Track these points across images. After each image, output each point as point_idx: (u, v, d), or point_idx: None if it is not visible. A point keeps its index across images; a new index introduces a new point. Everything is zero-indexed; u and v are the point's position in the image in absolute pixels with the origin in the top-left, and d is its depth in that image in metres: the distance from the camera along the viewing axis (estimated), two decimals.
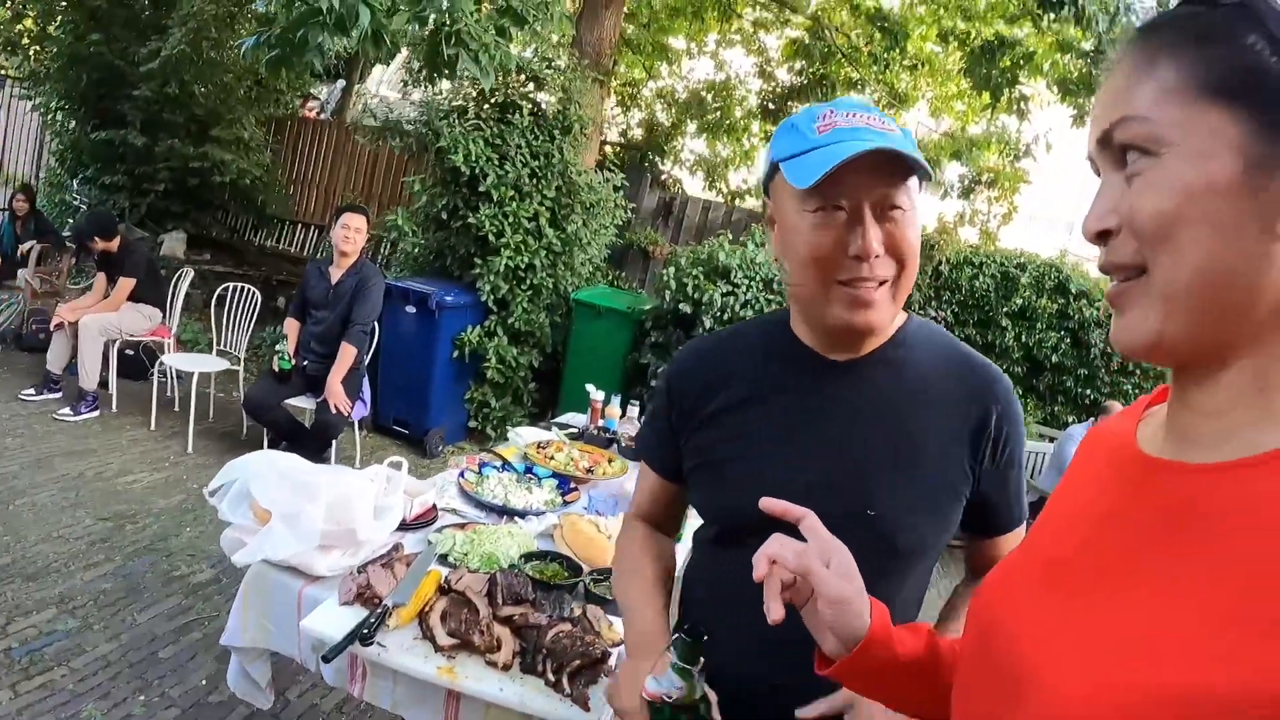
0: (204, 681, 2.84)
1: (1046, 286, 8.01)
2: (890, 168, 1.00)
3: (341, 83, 12.36)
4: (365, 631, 1.64)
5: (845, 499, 1.08)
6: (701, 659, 0.97)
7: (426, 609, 1.77)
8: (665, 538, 1.42)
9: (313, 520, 1.96)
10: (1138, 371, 8.04)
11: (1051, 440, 7.40)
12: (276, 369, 4.72)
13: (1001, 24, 8.28)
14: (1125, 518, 0.65)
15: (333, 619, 1.75)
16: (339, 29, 3.63)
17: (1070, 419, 7.94)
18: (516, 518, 2.44)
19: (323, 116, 12.43)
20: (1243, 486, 0.57)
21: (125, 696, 2.70)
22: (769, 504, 0.90)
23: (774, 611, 0.81)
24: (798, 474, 1.11)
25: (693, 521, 1.53)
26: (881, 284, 1.04)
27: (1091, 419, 6.46)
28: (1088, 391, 7.98)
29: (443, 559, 2.06)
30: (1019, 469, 1.22)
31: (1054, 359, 7.86)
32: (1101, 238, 0.63)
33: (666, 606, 1.29)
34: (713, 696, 1.01)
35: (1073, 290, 8.15)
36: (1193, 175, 0.57)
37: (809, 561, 0.83)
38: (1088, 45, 7.23)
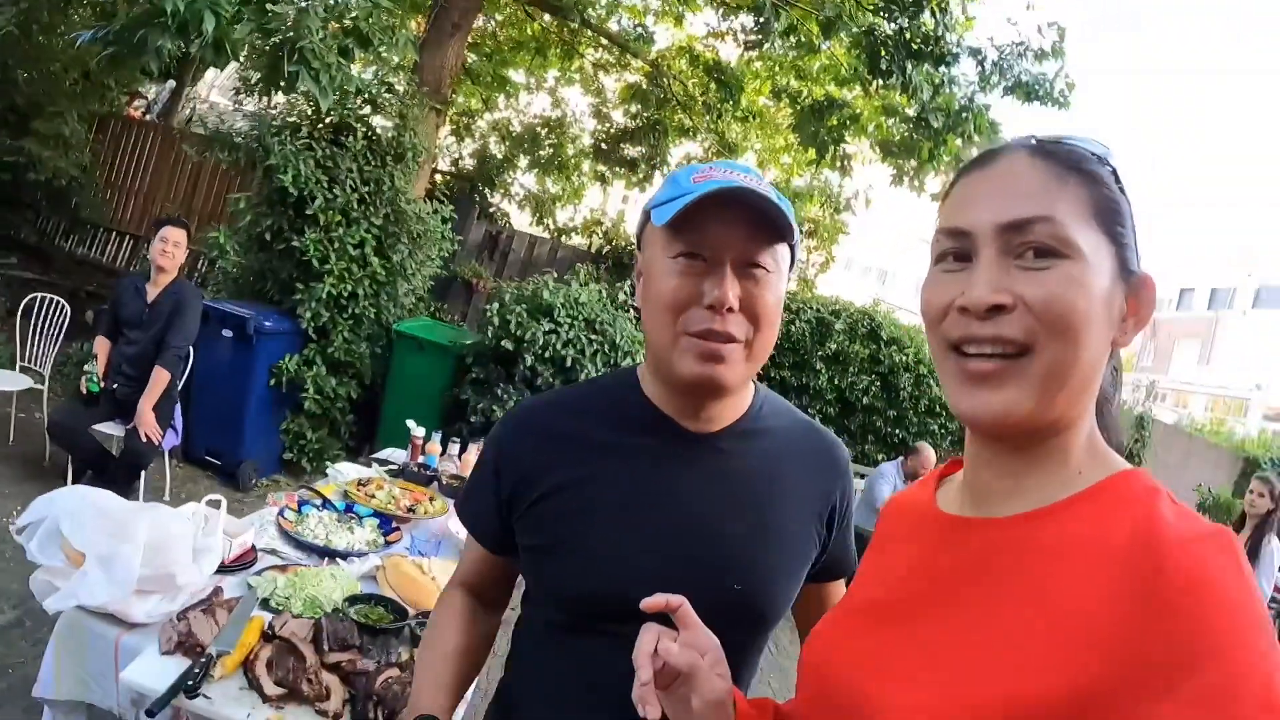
0: None
1: (860, 333, 8.53)
2: (758, 227, 1.00)
3: (171, 83, 11.78)
4: (190, 683, 1.61)
5: (708, 575, 1.06)
6: None
7: (251, 657, 1.76)
8: (484, 610, 1.29)
9: (130, 563, 1.91)
10: (943, 413, 8.67)
11: (862, 477, 7.88)
12: (85, 391, 4.50)
13: (833, 85, 8.80)
14: (935, 565, 0.81)
15: (154, 669, 1.73)
16: (181, 33, 3.56)
17: (880, 456, 8.46)
18: (338, 559, 2.44)
19: (149, 117, 11.81)
20: (1033, 532, 0.73)
21: None
22: (649, 603, 0.87)
23: (652, 711, 0.81)
24: (658, 554, 1.07)
25: None
26: (733, 341, 1.01)
27: (901, 457, 6.96)
28: (897, 431, 8.56)
29: (265, 603, 2.05)
30: (850, 523, 1.27)
31: (865, 400, 8.38)
32: (993, 312, 0.72)
33: (459, 680, 1.17)
34: None
35: (884, 336, 8.71)
36: (1093, 283, 0.71)
37: (695, 660, 0.86)
38: (911, 111, 7.81)
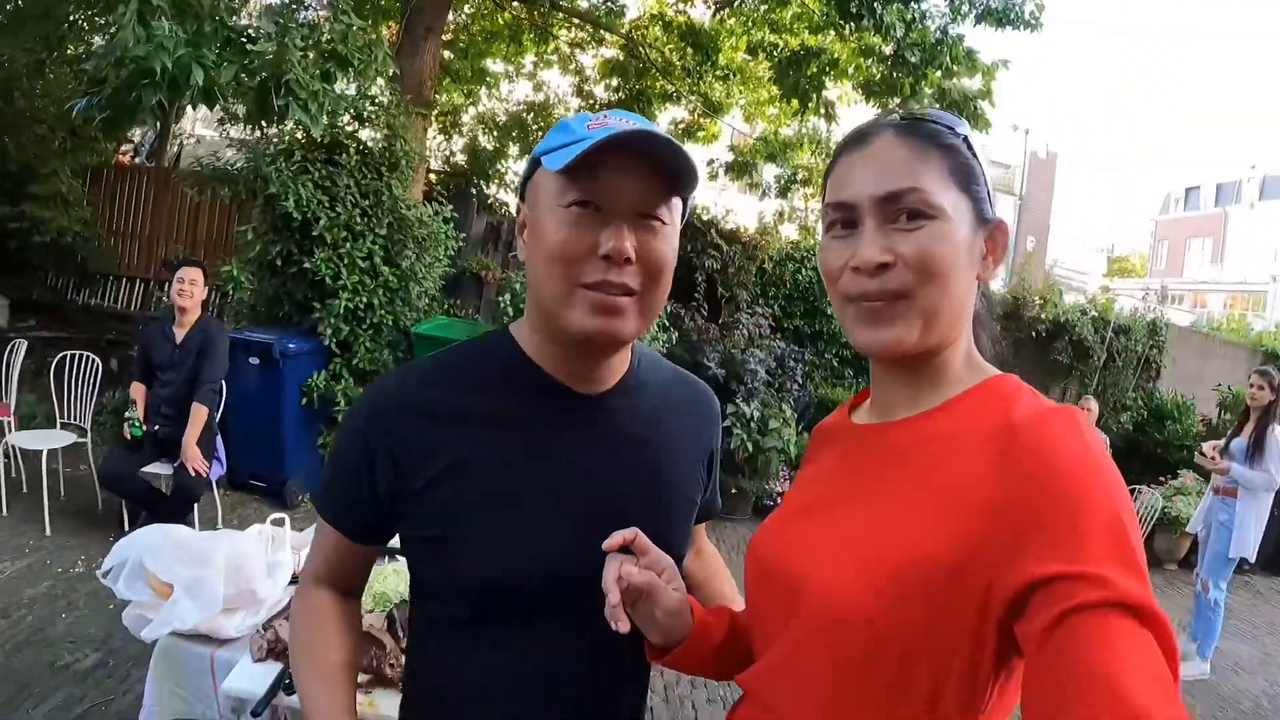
0: None
1: None
2: (653, 178, 0.96)
3: (157, 124, 11.91)
4: (287, 681, 1.80)
5: (609, 534, 1.00)
6: None
7: None
8: (352, 604, 1.21)
9: (214, 586, 2.10)
10: None
11: None
12: (129, 437, 4.67)
13: (807, 34, 8.81)
14: (851, 464, 0.99)
15: (250, 677, 1.92)
16: (172, 89, 3.70)
17: None
18: (396, 556, 2.54)
19: (138, 160, 11.95)
20: (923, 428, 0.91)
21: None
22: (609, 543, 0.96)
23: (623, 626, 0.92)
24: (568, 526, 1.03)
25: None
26: (629, 294, 0.97)
27: None
28: None
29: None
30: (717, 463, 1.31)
31: None
32: (880, 269, 0.87)
33: (352, 696, 1.09)
34: None
35: None
36: (957, 236, 0.87)
37: (652, 578, 0.97)
38: (888, 50, 7.88)
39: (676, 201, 1.00)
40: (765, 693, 0.96)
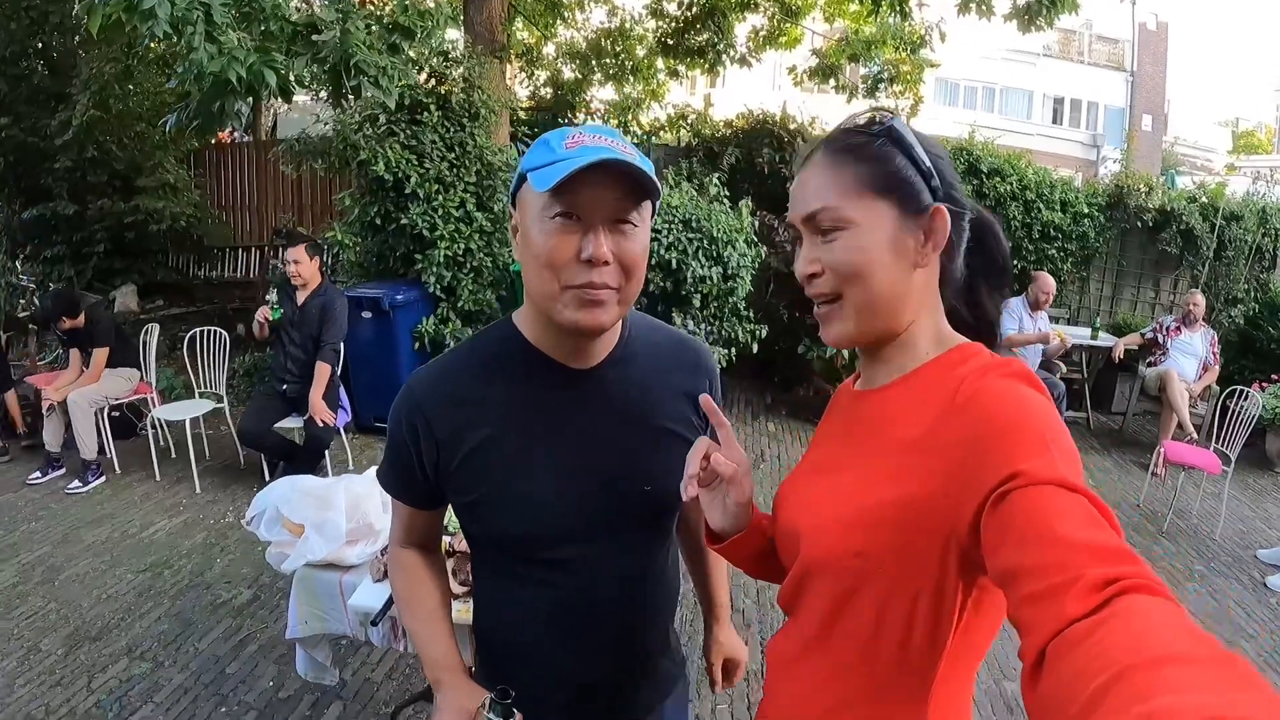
0: (270, 684, 3.27)
1: (958, 169, 8.40)
2: (625, 188, 1.09)
3: (251, 99, 12.35)
4: None
5: (626, 484, 1.23)
6: (514, 712, 1.14)
7: None
8: (435, 555, 1.45)
9: (338, 523, 2.43)
10: (1059, 236, 8.55)
11: None
12: (269, 317, 5.10)
13: None
14: (844, 425, 1.15)
15: (370, 594, 2.26)
16: (250, 92, 3.95)
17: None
18: None
19: (236, 135, 12.48)
20: (893, 393, 1.04)
21: (209, 714, 3.10)
22: (707, 403, 1.14)
23: (691, 491, 1.06)
24: (578, 481, 1.21)
25: None
26: (610, 289, 1.11)
27: (1024, 293, 6.94)
28: (1015, 262, 8.44)
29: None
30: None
31: None
32: (811, 278, 1.02)
33: (452, 629, 1.34)
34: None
35: (984, 169, 8.55)
36: (869, 241, 0.97)
37: (737, 470, 1.09)
38: None
39: (646, 204, 1.15)
40: (788, 620, 1.16)
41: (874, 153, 0.99)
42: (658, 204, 1.20)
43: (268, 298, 5.13)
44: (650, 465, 1.26)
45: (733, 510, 1.13)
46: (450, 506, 1.33)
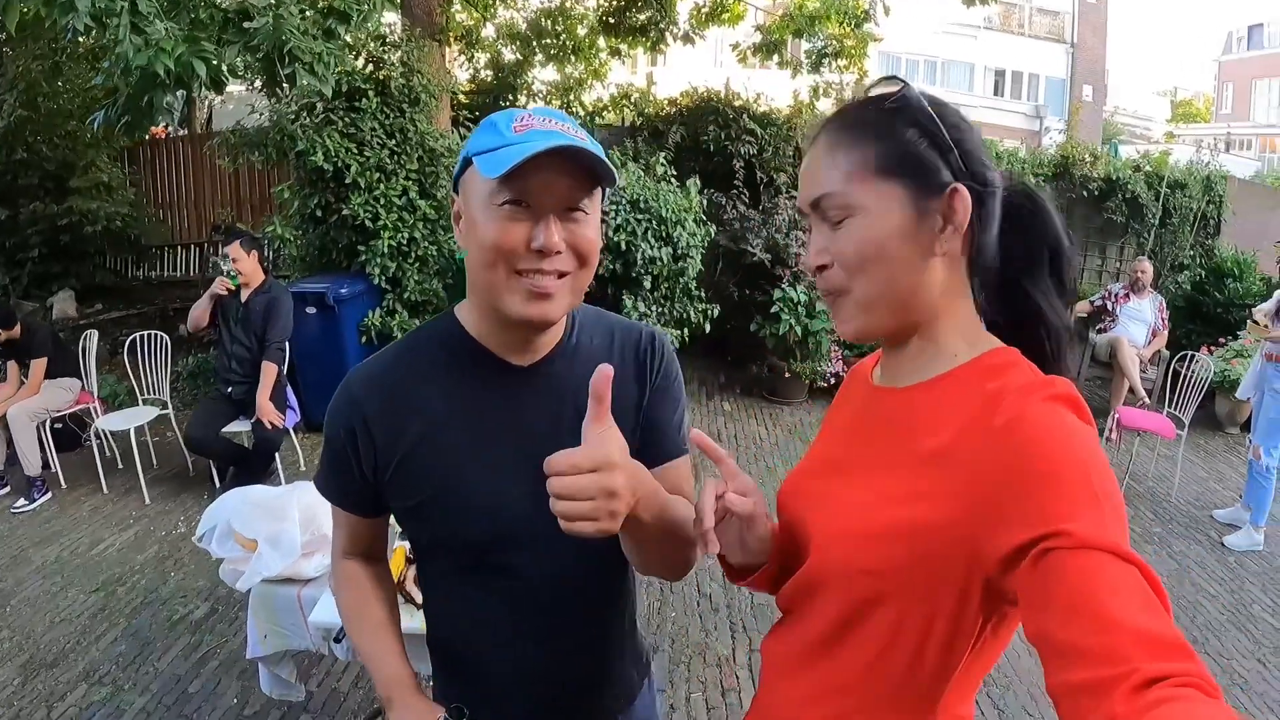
0: (235, 700, 3.17)
1: None
2: (576, 174, 1.04)
3: (182, 93, 12.01)
4: None
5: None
6: None
7: (401, 579, 2.16)
8: (380, 566, 1.40)
9: (292, 535, 2.34)
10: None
11: None
12: (230, 289, 4.96)
13: None
14: (862, 423, 1.05)
15: (331, 609, 2.17)
16: (179, 85, 3.79)
17: None
18: None
19: (169, 129, 12.14)
20: (919, 398, 0.95)
21: None
22: (700, 439, 1.03)
23: (713, 547, 0.95)
24: (520, 482, 1.12)
25: None
26: (561, 276, 1.07)
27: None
28: None
29: (403, 535, 2.42)
30: (676, 403, 1.31)
31: None
32: (820, 270, 0.94)
33: (401, 643, 1.29)
34: None
35: None
36: (880, 228, 0.88)
37: (754, 507, 1.00)
38: None
39: (597, 191, 1.10)
40: (785, 619, 1.09)
41: (883, 128, 0.90)
42: (610, 190, 1.13)
43: (222, 266, 4.93)
44: None
45: (753, 547, 1.05)
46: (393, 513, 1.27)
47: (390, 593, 1.37)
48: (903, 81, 0.93)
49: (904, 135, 0.89)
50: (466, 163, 1.09)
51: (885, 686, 0.92)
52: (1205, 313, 8.20)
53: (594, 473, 0.90)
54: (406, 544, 2.29)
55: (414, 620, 1.96)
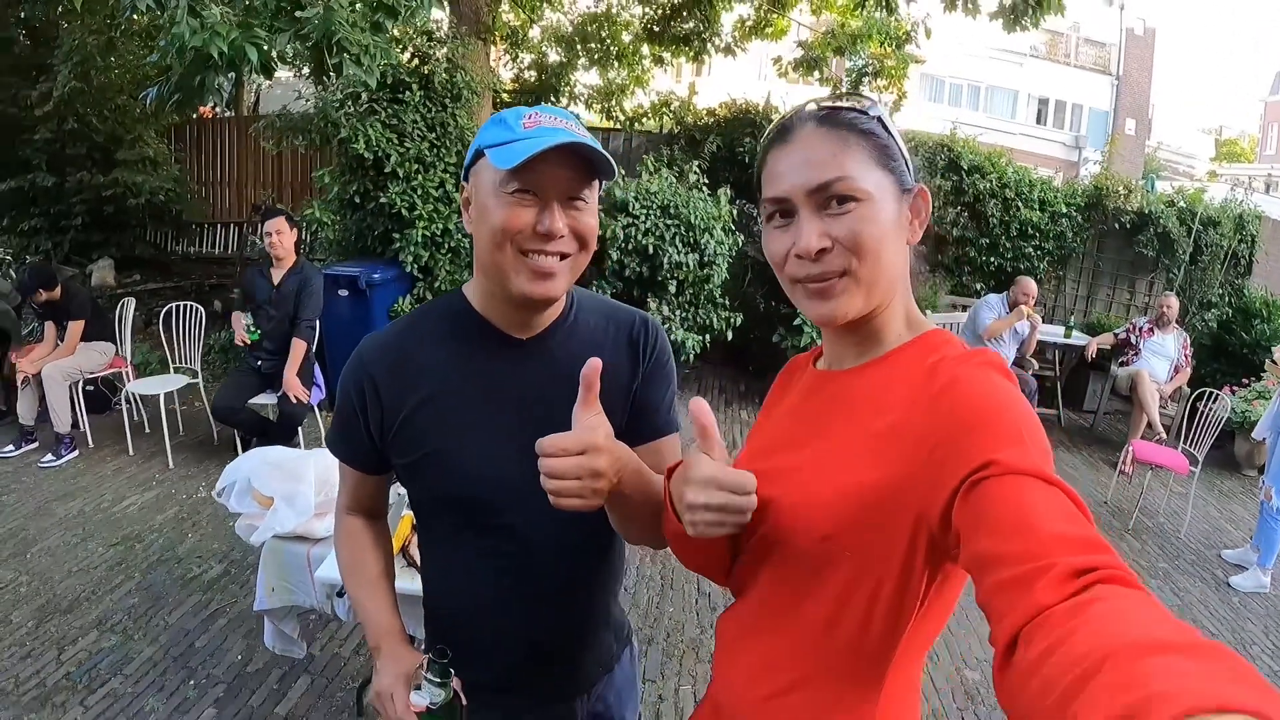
0: (239, 657, 3.29)
1: (939, 165, 8.46)
2: (578, 167, 1.14)
3: (232, 75, 12.21)
4: None
5: None
6: (450, 672, 1.17)
7: (406, 544, 2.26)
8: (379, 522, 1.49)
9: (306, 496, 2.44)
10: (1036, 235, 8.59)
11: (964, 309, 7.91)
12: (247, 341, 5.09)
13: None
14: (810, 405, 1.12)
15: (337, 567, 2.22)
16: (231, 68, 3.93)
17: (979, 287, 8.45)
18: None
19: (217, 110, 12.37)
20: (864, 376, 1.03)
21: (177, 686, 3.11)
22: (698, 408, 0.99)
23: (718, 448, 0.99)
24: (513, 447, 1.18)
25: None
26: (564, 258, 1.17)
27: (1006, 292, 6.92)
28: (991, 259, 8.58)
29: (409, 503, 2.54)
30: (667, 385, 1.41)
31: (955, 233, 8.36)
32: (821, 253, 0.97)
33: (393, 596, 1.38)
34: (458, 682, 1.21)
35: (964, 166, 8.57)
36: (882, 214, 0.96)
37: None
38: None
39: (596, 182, 1.20)
40: (739, 598, 1.15)
41: (872, 129, 0.99)
42: (610, 179, 1.23)
43: (245, 321, 5.11)
44: None
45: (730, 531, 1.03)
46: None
47: (387, 549, 1.46)
48: (870, 99, 1.03)
49: (885, 140, 0.99)
50: (478, 154, 1.19)
51: (836, 652, 0.98)
52: (1230, 352, 8.11)
53: (581, 455, 1.00)
54: (410, 513, 2.39)
55: (414, 583, 2.06)
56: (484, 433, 1.25)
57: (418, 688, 1.19)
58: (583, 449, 1.01)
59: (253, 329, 5.08)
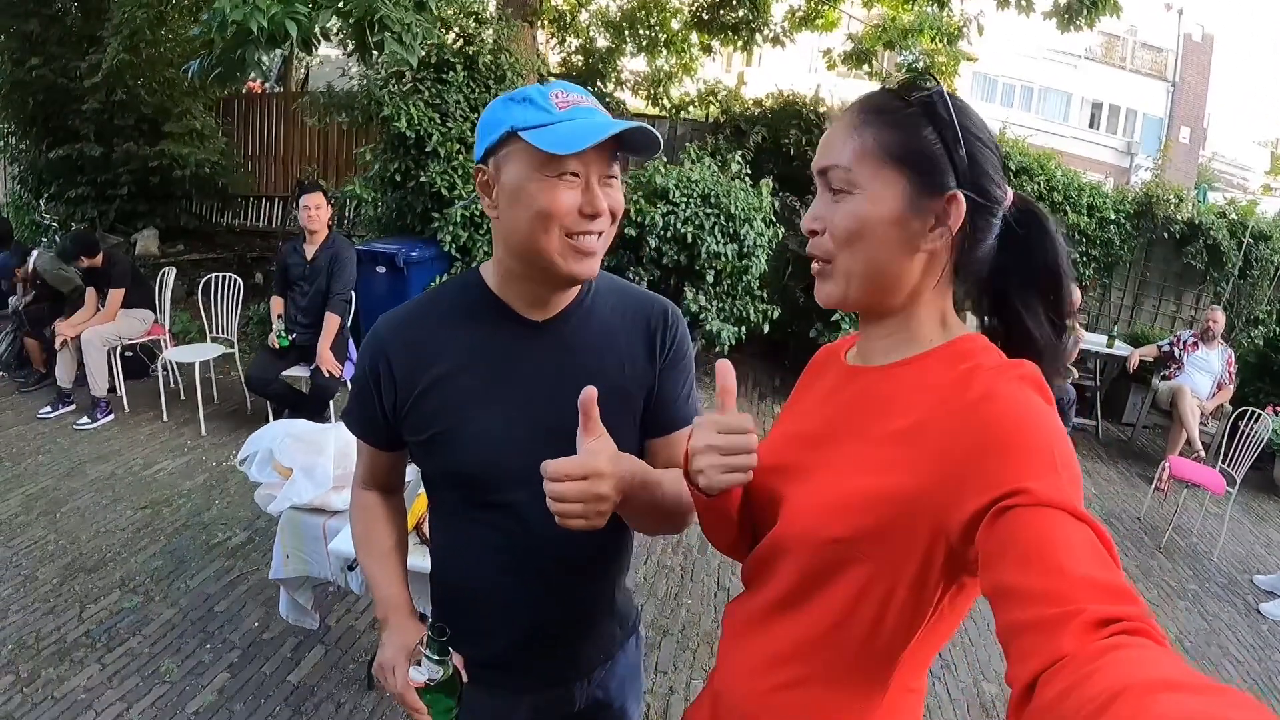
0: (256, 624, 3.33)
1: None
2: (610, 146, 1.14)
3: (281, 51, 12.37)
4: None
5: (569, 437, 1.13)
6: (450, 648, 1.19)
7: (420, 521, 2.25)
8: (394, 497, 1.51)
9: (325, 469, 2.46)
10: (1083, 241, 8.44)
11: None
12: (276, 346, 5.15)
13: None
14: (836, 400, 1.09)
15: (351, 540, 2.23)
16: (271, 44, 3.96)
17: None
18: None
19: (266, 86, 12.49)
20: (893, 376, 1.00)
21: (194, 649, 3.16)
22: (723, 370, 1.03)
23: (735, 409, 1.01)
24: (525, 427, 1.23)
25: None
26: (600, 235, 1.19)
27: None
28: None
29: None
30: (686, 375, 1.40)
31: None
32: (813, 233, 0.99)
33: (404, 570, 1.41)
34: (458, 659, 1.23)
35: (1012, 167, 8.36)
36: (873, 210, 0.93)
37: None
38: None
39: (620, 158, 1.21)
40: (748, 589, 1.13)
41: (903, 120, 0.94)
42: (654, 154, 1.23)
43: (275, 329, 5.19)
44: (604, 420, 1.20)
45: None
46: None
47: (400, 524, 1.47)
48: (937, 83, 0.97)
49: (920, 132, 0.93)
50: (509, 135, 1.15)
51: (842, 653, 0.96)
52: (1276, 371, 7.85)
53: (584, 480, 1.03)
54: None
55: (427, 560, 2.06)
56: (494, 411, 1.25)
57: (418, 663, 1.19)
58: (585, 474, 1.03)
59: (283, 335, 5.15)
